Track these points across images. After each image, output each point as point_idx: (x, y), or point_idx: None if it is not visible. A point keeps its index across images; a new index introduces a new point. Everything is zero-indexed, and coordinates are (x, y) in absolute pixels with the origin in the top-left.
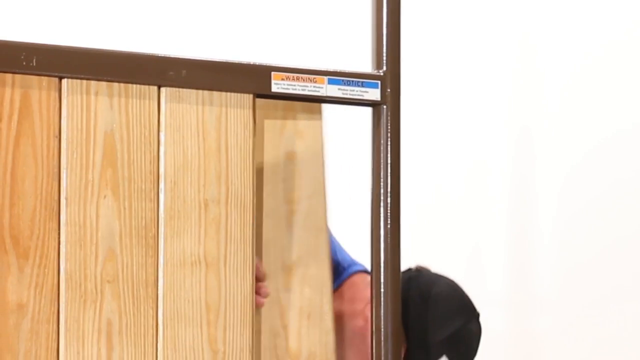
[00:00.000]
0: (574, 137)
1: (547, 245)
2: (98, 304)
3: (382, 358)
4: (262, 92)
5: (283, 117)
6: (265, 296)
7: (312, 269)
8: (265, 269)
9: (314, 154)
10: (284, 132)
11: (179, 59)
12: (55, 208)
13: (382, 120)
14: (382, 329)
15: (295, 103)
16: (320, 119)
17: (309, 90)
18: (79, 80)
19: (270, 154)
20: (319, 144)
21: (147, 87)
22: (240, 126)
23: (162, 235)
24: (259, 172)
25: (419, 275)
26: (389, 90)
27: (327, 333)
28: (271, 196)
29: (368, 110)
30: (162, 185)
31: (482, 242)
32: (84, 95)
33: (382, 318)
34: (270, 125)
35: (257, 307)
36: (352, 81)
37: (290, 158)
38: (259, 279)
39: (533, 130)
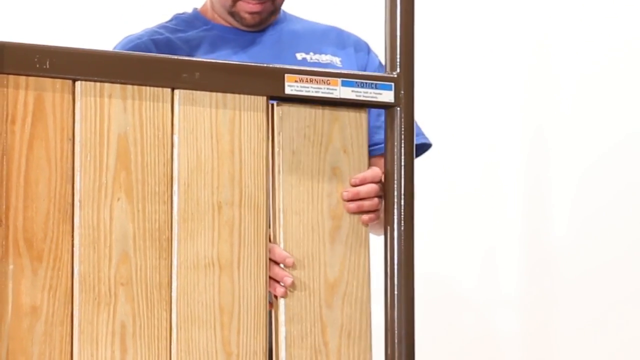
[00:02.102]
0: (589, 138)
1: (562, 247)
2: (112, 306)
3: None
4: (276, 94)
5: (329, 127)
6: (287, 285)
7: (353, 287)
8: (308, 282)
9: (359, 169)
10: (329, 147)
11: (192, 61)
12: (69, 211)
13: (395, 122)
14: (396, 331)
15: (343, 114)
16: (366, 133)
17: (322, 92)
18: (92, 83)
19: (316, 168)
20: (365, 159)
21: (160, 89)
22: (254, 128)
23: (176, 238)
24: (304, 185)
25: None
26: (402, 92)
27: (365, 352)
28: (316, 210)
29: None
30: (175, 188)
31: (496, 243)
32: (98, 98)
33: (395, 320)
34: (316, 139)
35: (279, 296)
36: (366, 83)
37: (335, 173)
38: (285, 264)
39: (547, 131)
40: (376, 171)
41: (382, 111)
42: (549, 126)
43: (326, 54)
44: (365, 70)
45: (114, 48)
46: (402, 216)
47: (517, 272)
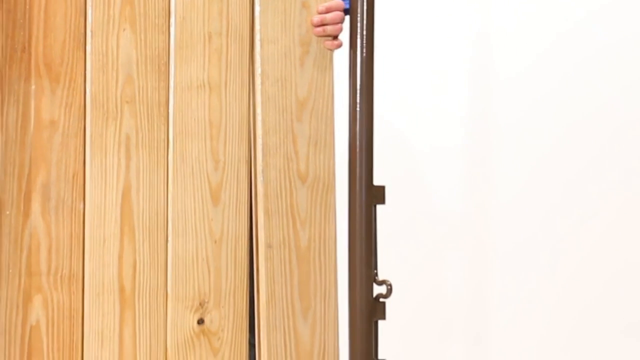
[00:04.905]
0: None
1: (505, 80)
2: (118, 121)
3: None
4: None
5: None
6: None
7: (319, 104)
8: (281, 100)
9: (325, 1)
10: None
11: None
12: (82, 40)
13: None
14: (358, 142)
15: None
16: None
17: None
18: None
19: (289, 3)
20: None
21: None
22: None
23: (173, 63)
24: (278, 17)
25: None
26: None
27: (329, 159)
28: (289, 38)
29: None
30: (172, 20)
31: (447, 69)
32: None
33: (357, 133)
34: None
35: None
36: None
37: (305, 6)
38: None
39: None
40: (339, 2)
41: None
42: None
43: None
44: None
45: None
46: (364, 40)
47: (466, 94)
